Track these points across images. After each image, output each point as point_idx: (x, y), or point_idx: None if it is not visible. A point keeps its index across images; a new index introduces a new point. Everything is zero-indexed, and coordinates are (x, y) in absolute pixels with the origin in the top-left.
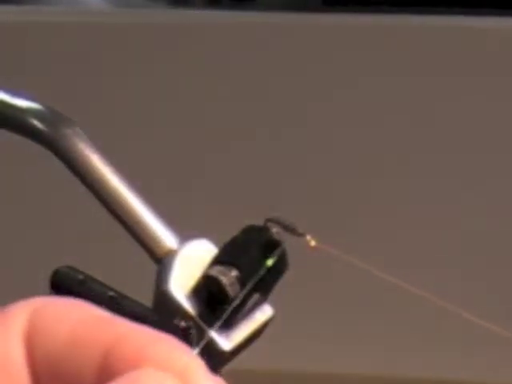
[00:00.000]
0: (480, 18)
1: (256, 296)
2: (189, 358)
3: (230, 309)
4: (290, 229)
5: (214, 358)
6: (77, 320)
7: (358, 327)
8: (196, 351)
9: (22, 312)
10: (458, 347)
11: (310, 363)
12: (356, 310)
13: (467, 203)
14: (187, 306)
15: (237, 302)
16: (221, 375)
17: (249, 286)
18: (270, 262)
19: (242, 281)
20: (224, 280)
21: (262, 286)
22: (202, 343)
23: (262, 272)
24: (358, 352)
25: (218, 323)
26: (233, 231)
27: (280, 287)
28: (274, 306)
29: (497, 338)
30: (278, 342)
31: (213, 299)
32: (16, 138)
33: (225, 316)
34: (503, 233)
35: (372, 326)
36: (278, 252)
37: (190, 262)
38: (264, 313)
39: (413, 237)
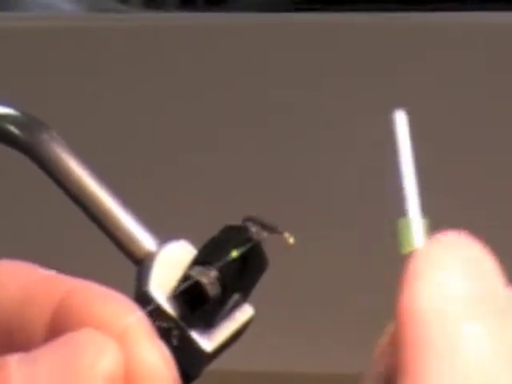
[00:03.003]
0: (480, 13)
1: (236, 296)
2: (132, 320)
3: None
4: (267, 227)
5: (195, 359)
6: (26, 279)
7: (348, 327)
8: (142, 314)
9: None
10: None
11: (297, 363)
12: (348, 309)
13: (466, 203)
14: (168, 307)
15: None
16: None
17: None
18: (235, 254)
19: (222, 281)
20: (204, 280)
21: (242, 285)
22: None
23: (229, 262)
24: (351, 351)
25: (199, 323)
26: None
27: (262, 286)
28: (256, 306)
29: None
30: (262, 343)
31: (193, 300)
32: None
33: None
34: (504, 232)
35: (363, 327)
36: (247, 246)
37: (170, 264)
38: (244, 313)
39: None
